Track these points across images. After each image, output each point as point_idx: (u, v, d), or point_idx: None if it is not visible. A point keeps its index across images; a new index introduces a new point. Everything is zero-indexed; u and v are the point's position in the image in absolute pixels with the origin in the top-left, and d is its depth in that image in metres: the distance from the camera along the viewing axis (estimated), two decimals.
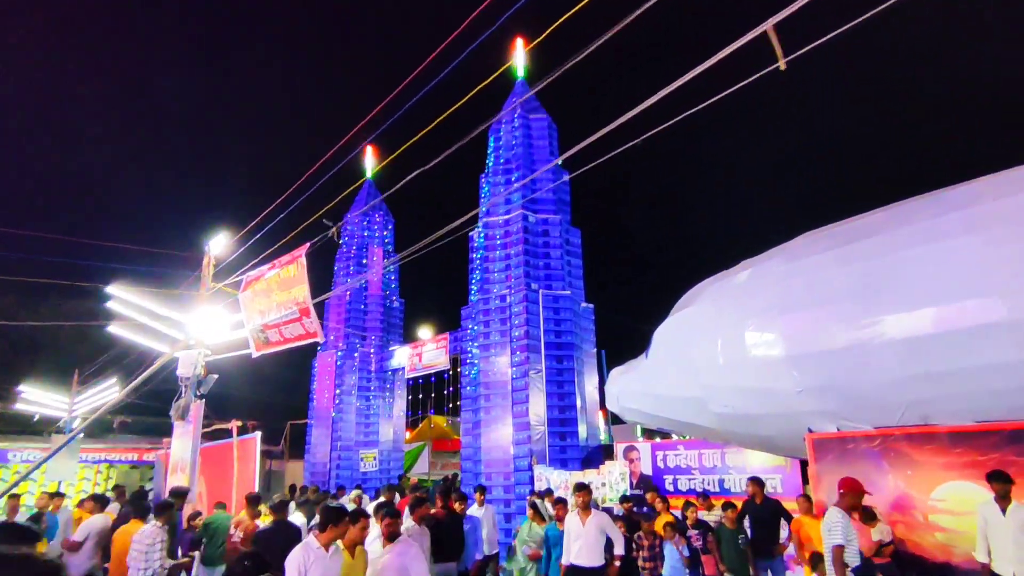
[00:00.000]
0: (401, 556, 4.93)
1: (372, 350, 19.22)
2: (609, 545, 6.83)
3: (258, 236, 8.42)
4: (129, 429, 24.80)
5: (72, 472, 17.51)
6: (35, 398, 19.69)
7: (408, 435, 20.91)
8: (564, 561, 6.79)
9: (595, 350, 14.58)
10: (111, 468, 22.88)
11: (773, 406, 7.96)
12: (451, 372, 16.50)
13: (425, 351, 17.12)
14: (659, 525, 7.82)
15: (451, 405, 17.26)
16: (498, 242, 14.40)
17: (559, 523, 7.30)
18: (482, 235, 14.71)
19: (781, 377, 7.62)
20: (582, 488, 9.29)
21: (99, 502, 7.61)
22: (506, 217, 14.46)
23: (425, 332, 17.45)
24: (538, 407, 12.95)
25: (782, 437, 8.51)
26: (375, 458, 18.13)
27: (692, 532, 7.82)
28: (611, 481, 10.80)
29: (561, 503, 7.73)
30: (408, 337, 19.89)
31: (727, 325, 8.48)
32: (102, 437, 23.56)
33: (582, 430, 13.24)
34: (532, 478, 12.28)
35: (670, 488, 11.51)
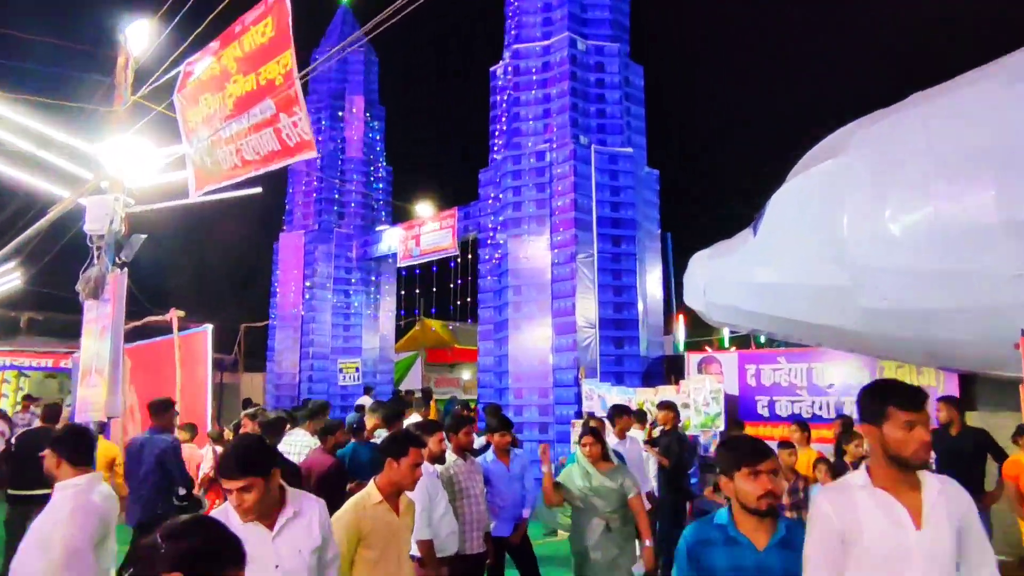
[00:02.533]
0: None
1: (352, 231, 17.59)
2: None
3: (199, 30, 6.38)
4: (40, 329, 23.36)
5: None
6: None
7: (398, 342, 19.68)
8: None
9: (659, 232, 12.96)
10: (20, 377, 21.65)
11: (970, 296, 6.48)
12: (460, 259, 14.97)
13: (424, 232, 15.44)
14: (803, 463, 6.54)
15: (460, 303, 15.82)
16: (533, 78, 12.40)
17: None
18: (510, 69, 12.66)
19: (989, 254, 6.10)
20: (668, 407, 7.96)
21: None
22: (545, 43, 12.36)
23: (424, 209, 15.70)
24: (587, 304, 11.45)
25: (975, 343, 7.04)
26: (358, 369, 16.86)
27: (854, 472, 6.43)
28: (696, 402, 9.44)
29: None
30: (400, 215, 18.18)
31: (899, 181, 6.80)
32: (10, 339, 22.15)
33: (643, 336, 11.80)
34: (579, 396, 10.96)
35: (763, 412, 10.26)
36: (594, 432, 5.00)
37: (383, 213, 18.39)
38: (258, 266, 23.50)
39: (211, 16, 6.24)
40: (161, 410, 6.14)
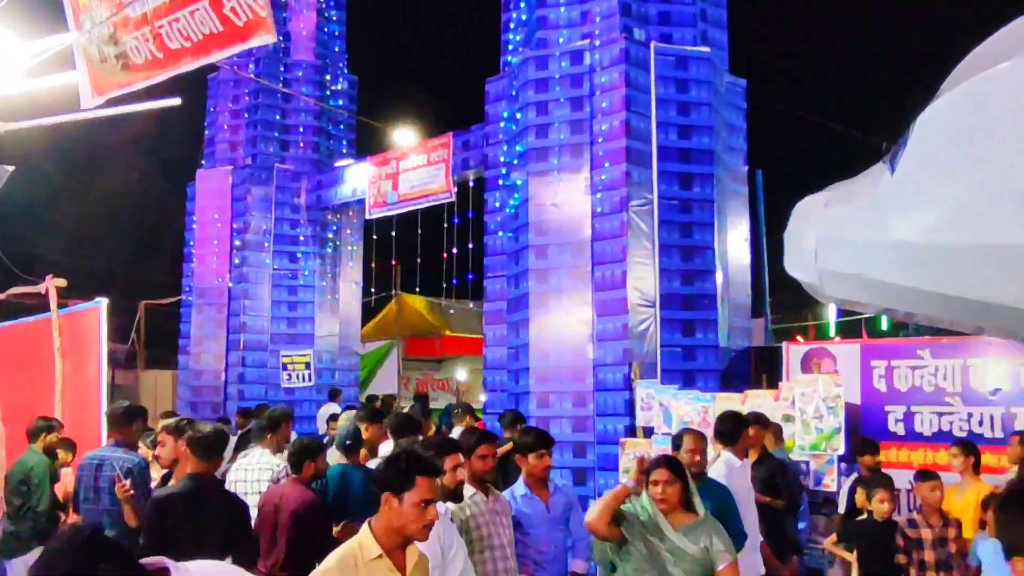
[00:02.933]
0: None
1: (301, 167, 17.36)
2: None
3: None
4: None
5: None
6: None
7: (364, 326, 19.61)
8: None
9: (746, 169, 12.71)
10: None
11: None
12: (457, 207, 14.74)
13: (405, 169, 15.25)
14: (970, 501, 6.39)
15: (456, 271, 15.60)
16: None
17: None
18: None
19: None
20: (762, 421, 7.82)
21: None
22: None
23: (404, 136, 15.48)
24: (644, 273, 11.23)
25: None
26: (308, 365, 16.77)
27: None
28: (805, 413, 9.27)
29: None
30: (368, 146, 17.95)
31: None
32: None
33: (723, 319, 11.61)
34: (630, 405, 10.77)
35: (896, 430, 10.10)
36: (672, 464, 4.46)
37: (344, 141, 18.19)
38: (165, 220, 23.30)
39: None
40: (124, 420, 6.15)
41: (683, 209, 11.56)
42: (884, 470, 8.47)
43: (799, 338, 16.42)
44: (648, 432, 10.24)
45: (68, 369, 8.90)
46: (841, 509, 8.53)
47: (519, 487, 5.43)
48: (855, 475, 8.10)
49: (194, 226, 17.93)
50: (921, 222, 8.07)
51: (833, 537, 7.75)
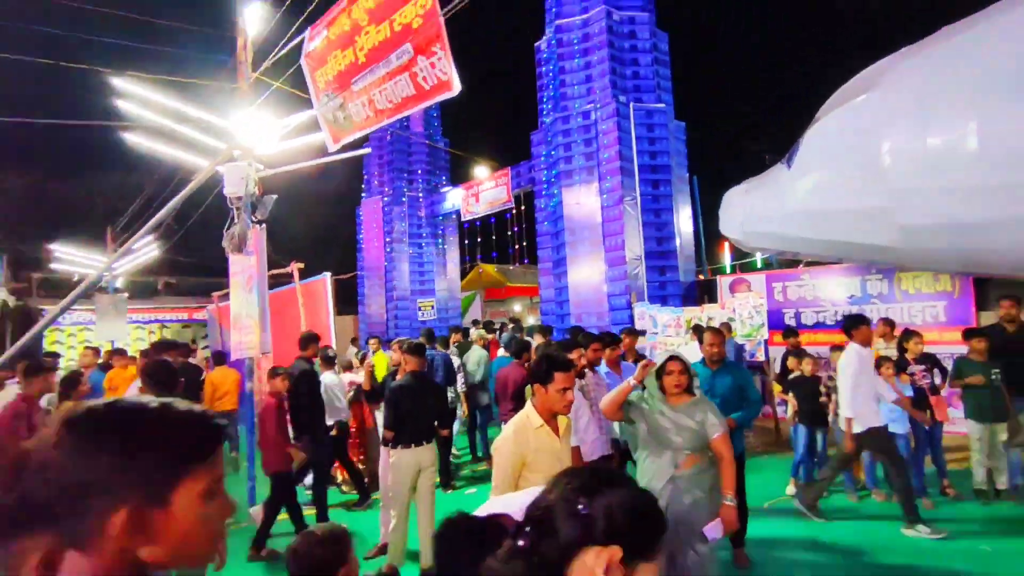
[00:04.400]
0: None
1: (420, 194, 16.74)
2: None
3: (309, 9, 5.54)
4: (175, 291, 23.11)
5: (124, 332, 15.93)
6: (70, 257, 17.66)
7: (462, 282, 19.08)
8: None
9: (687, 175, 12.00)
10: (163, 328, 21.59)
11: (1016, 207, 5.60)
12: (514, 210, 14.16)
13: (483, 190, 14.62)
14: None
15: (518, 246, 15.11)
16: (576, 48, 11.29)
17: (710, 364, 4.86)
18: (554, 42, 11.57)
19: None
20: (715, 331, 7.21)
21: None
22: (584, 16, 11.22)
23: (481, 171, 14.88)
24: (633, 240, 10.64)
25: (1016, 249, 6.21)
26: (433, 307, 16.32)
27: (916, 368, 5.72)
28: (742, 315, 8.70)
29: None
30: (457, 179, 17.32)
31: (941, 105, 5.79)
32: (149, 300, 21.99)
33: (680, 265, 11.02)
34: (631, 318, 10.24)
35: (790, 323, 9.51)
36: (681, 359, 3.37)
37: (443, 177, 17.53)
38: (339, 227, 22.80)
39: None
40: (306, 343, 5.65)
41: (654, 201, 10.90)
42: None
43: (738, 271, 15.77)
44: (642, 333, 9.73)
45: (309, 317, 8.53)
46: (776, 370, 8.03)
47: (603, 368, 4.95)
48: (785, 350, 7.54)
49: (362, 231, 17.44)
50: (808, 197, 7.41)
51: (778, 387, 7.27)
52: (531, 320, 18.39)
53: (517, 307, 21.55)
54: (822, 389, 5.99)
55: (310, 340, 5.40)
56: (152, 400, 0.81)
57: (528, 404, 2.89)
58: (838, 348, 6.11)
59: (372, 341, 8.84)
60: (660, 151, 10.92)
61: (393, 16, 3.62)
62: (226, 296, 10.96)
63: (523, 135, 12.82)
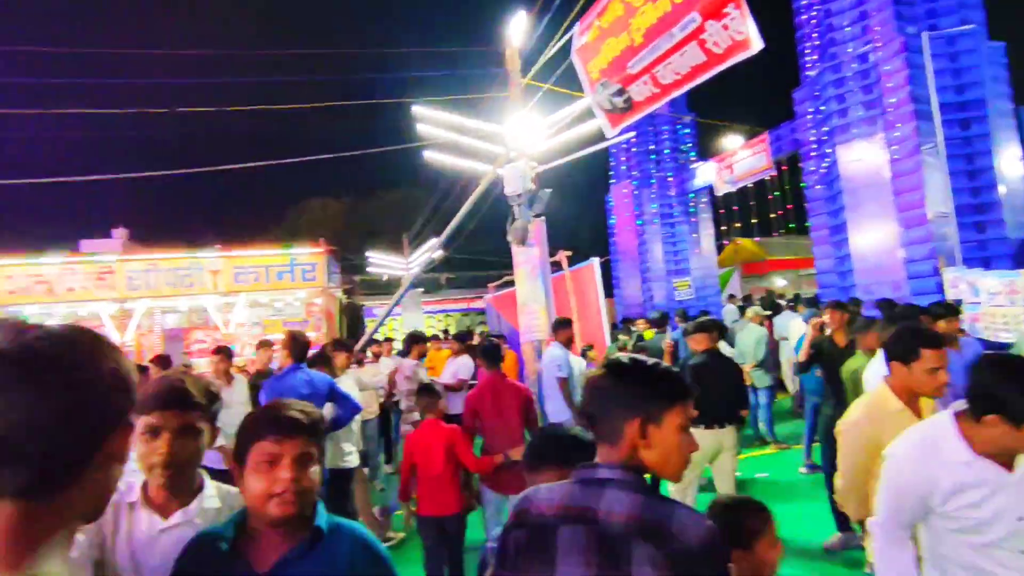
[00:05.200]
0: None
1: (669, 174, 16.32)
2: None
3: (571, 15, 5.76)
4: (454, 285, 26.42)
5: (420, 321, 18.90)
6: (379, 262, 21.34)
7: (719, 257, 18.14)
8: None
9: (1012, 107, 9.61)
10: (448, 316, 24.90)
11: None
12: (774, 177, 12.97)
13: (737, 160, 13.69)
14: None
15: (777, 214, 13.84)
16: None
17: None
18: None
19: None
20: None
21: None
22: None
23: (732, 141, 13.90)
24: (937, 195, 8.91)
25: None
26: (689, 285, 15.85)
27: None
28: None
29: None
30: (707, 152, 16.47)
31: None
32: (436, 293, 25.55)
33: (1008, 217, 8.89)
34: (940, 286, 8.59)
35: None
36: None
37: (692, 153, 16.79)
38: (586, 216, 23.34)
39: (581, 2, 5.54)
40: (559, 327, 5.87)
41: (965, 143, 8.99)
42: None
43: None
44: (958, 302, 8.07)
45: (579, 302, 8.82)
46: None
47: None
48: None
49: (612, 219, 17.72)
50: None
51: None
52: (789, 294, 16.64)
53: (780, 281, 19.73)
54: None
55: (562, 325, 5.59)
56: (650, 360, 1.30)
57: (881, 383, 2.58)
58: None
59: (640, 322, 8.91)
60: (969, 83, 8.96)
61: None
62: (502, 286, 12.13)
63: (781, 95, 11.69)
